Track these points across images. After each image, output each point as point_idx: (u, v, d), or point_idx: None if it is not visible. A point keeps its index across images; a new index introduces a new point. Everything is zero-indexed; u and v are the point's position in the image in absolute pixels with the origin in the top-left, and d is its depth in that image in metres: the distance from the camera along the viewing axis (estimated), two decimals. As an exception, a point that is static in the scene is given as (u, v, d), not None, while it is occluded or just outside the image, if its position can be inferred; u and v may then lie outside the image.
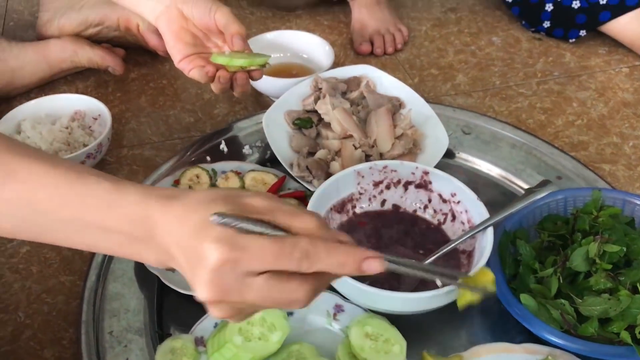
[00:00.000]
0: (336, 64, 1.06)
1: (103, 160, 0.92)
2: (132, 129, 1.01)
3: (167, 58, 1.16)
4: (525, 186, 0.87)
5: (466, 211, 0.76)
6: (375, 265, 0.46)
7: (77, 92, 1.08)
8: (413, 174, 0.79)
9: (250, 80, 0.83)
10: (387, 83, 0.97)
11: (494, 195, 0.87)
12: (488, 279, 0.61)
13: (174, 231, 0.46)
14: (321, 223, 0.47)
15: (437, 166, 0.85)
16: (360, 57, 1.18)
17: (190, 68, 0.81)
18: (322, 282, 0.47)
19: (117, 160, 0.95)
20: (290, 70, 1.09)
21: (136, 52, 1.14)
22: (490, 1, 1.31)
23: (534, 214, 0.76)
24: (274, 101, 1.00)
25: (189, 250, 0.45)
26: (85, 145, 0.91)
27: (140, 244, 0.48)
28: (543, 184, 0.74)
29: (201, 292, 0.45)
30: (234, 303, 0.46)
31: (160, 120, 1.03)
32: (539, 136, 0.94)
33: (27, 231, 0.51)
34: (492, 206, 0.74)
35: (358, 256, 0.46)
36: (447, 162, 0.90)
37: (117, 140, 0.98)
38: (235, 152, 0.92)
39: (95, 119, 0.95)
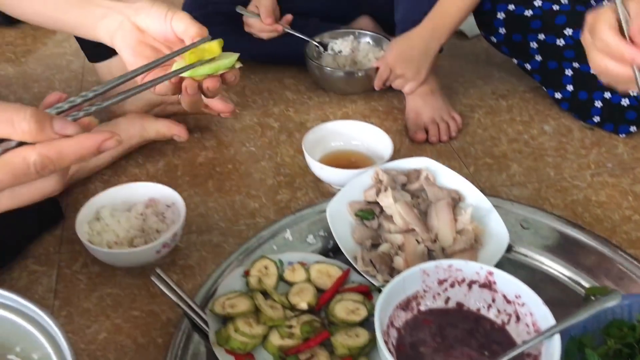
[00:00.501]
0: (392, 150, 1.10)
1: (174, 247, 0.97)
2: (201, 214, 1.06)
3: (231, 143, 1.23)
4: (586, 285, 0.88)
5: (531, 314, 0.77)
6: (110, 143, 0.51)
7: (147, 175, 1.15)
8: (477, 273, 0.81)
9: (223, 84, 0.73)
10: (445, 175, 1.01)
11: (554, 292, 0.89)
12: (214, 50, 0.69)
13: None
14: (39, 124, 0.49)
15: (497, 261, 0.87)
16: (415, 144, 1.23)
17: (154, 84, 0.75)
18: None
19: (187, 246, 1.00)
20: (349, 158, 1.14)
21: (203, 137, 1.20)
22: (540, 87, 1.35)
23: (599, 318, 0.77)
24: (334, 188, 1.05)
25: None
26: (157, 232, 0.96)
27: None
28: (609, 292, 0.75)
29: None
30: None
31: (226, 206, 1.08)
32: (596, 232, 0.96)
33: None
34: (552, 304, 0.75)
35: (90, 147, 0.50)
36: (506, 256, 0.92)
37: (187, 225, 1.03)
38: (300, 241, 0.95)
39: (169, 206, 0.99)
